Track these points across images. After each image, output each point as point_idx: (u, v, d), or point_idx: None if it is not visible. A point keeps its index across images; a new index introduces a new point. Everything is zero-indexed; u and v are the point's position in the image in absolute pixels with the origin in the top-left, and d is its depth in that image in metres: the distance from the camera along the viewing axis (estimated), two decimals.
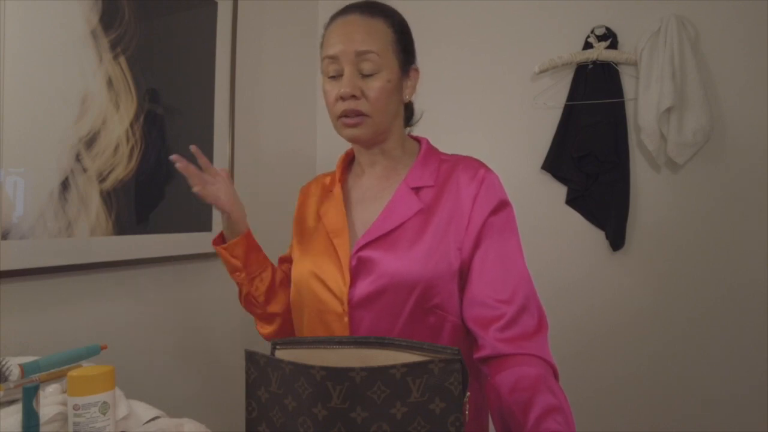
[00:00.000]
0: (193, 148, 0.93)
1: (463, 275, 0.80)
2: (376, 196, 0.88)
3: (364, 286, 0.79)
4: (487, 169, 0.85)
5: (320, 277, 0.83)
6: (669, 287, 1.58)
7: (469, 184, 0.82)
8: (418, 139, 0.94)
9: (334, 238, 0.85)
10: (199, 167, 0.93)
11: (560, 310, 1.69)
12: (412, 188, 0.84)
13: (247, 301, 0.97)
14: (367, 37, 0.80)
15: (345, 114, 0.81)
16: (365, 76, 0.81)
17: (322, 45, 0.86)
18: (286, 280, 0.98)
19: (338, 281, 0.81)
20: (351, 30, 0.81)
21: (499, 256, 0.79)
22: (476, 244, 0.79)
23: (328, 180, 0.97)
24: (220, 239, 0.97)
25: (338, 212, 0.88)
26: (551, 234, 1.72)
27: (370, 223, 0.84)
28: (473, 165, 0.86)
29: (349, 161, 0.98)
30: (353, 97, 0.80)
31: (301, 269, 0.88)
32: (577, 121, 1.64)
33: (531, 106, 1.74)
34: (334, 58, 0.81)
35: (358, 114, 0.81)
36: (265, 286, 0.95)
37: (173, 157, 0.88)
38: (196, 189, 0.89)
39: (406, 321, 0.77)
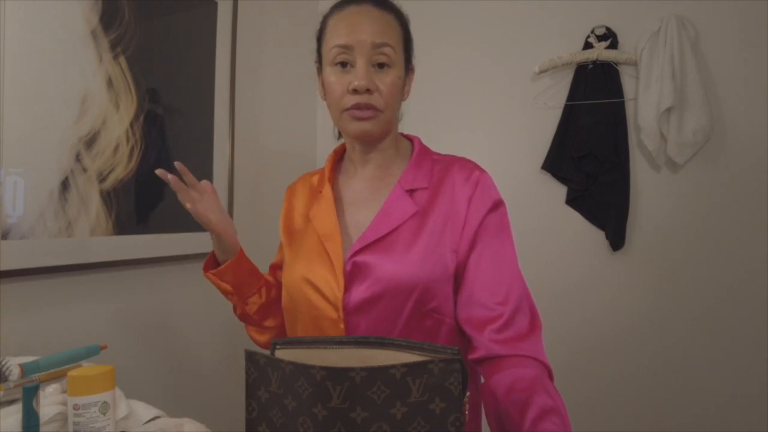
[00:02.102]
0: (177, 165, 0.86)
1: (458, 277, 0.79)
2: (369, 198, 0.86)
3: (360, 292, 0.77)
4: (482, 170, 0.84)
5: (313, 283, 0.81)
6: (669, 287, 1.58)
7: (463, 186, 0.81)
8: (410, 138, 0.93)
9: (325, 242, 0.82)
10: (185, 182, 0.87)
11: (560, 310, 1.69)
12: (407, 190, 0.82)
13: (241, 317, 0.96)
14: (385, 29, 0.78)
15: (357, 107, 0.78)
16: (378, 69, 0.78)
17: (324, 33, 0.82)
18: (281, 293, 0.95)
19: (332, 287, 0.79)
20: (367, 20, 0.78)
21: (494, 257, 0.78)
22: (472, 246, 0.78)
23: (315, 179, 0.93)
24: (212, 260, 0.93)
25: (329, 215, 0.85)
26: (551, 234, 1.72)
27: (364, 227, 0.82)
28: (467, 166, 0.85)
29: (337, 159, 0.95)
30: (368, 91, 0.77)
31: (292, 274, 0.85)
32: (577, 121, 1.64)
33: (531, 106, 1.75)
34: (346, 48, 0.77)
35: (371, 108, 0.78)
36: (257, 306, 0.93)
37: (158, 172, 0.83)
38: (188, 206, 0.84)
39: (404, 325, 0.76)
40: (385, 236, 0.79)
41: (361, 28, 0.77)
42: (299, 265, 0.85)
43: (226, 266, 0.89)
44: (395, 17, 0.82)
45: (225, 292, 0.92)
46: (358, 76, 0.77)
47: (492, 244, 0.79)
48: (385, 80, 0.78)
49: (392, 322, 0.76)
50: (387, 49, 0.78)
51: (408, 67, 0.86)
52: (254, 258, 0.96)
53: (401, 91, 0.83)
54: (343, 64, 0.79)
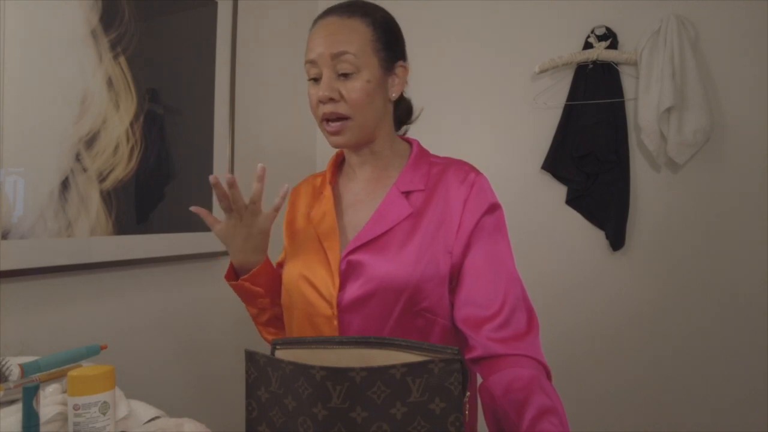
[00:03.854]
0: (228, 177, 0.83)
1: (454, 278, 0.80)
2: (367, 199, 0.88)
3: (353, 290, 0.79)
4: (477, 173, 0.85)
5: (310, 280, 0.83)
6: (669, 287, 1.58)
7: (459, 188, 0.82)
8: (408, 141, 0.94)
9: (324, 241, 0.85)
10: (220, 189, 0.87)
11: (560, 309, 1.69)
12: (403, 192, 0.84)
13: (269, 322, 0.95)
14: (344, 38, 0.79)
15: (326, 117, 0.81)
16: (344, 77, 0.80)
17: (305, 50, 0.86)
18: None
19: (328, 284, 0.81)
20: (328, 32, 0.80)
21: (490, 258, 0.79)
22: (467, 247, 0.79)
23: (318, 181, 0.96)
24: (232, 272, 0.91)
25: (329, 215, 0.88)
26: (551, 234, 1.72)
27: (361, 227, 0.84)
28: (463, 168, 0.86)
29: (339, 162, 0.97)
30: (332, 100, 0.80)
31: (291, 271, 0.87)
32: (577, 121, 1.64)
33: (531, 106, 1.75)
34: (313, 62, 0.81)
35: (339, 117, 0.80)
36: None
37: (258, 179, 0.86)
38: (268, 225, 0.86)
39: (395, 324, 0.78)
40: (380, 236, 0.81)
41: (320, 42, 0.80)
42: (298, 263, 0.87)
43: (259, 269, 0.89)
44: (362, 20, 0.81)
45: (256, 296, 0.91)
46: (321, 88, 0.80)
47: (488, 245, 0.80)
48: (352, 87, 0.80)
49: (383, 320, 0.78)
50: (347, 57, 0.79)
51: (390, 65, 0.84)
52: None
53: (376, 93, 0.82)
54: (315, 78, 0.82)
